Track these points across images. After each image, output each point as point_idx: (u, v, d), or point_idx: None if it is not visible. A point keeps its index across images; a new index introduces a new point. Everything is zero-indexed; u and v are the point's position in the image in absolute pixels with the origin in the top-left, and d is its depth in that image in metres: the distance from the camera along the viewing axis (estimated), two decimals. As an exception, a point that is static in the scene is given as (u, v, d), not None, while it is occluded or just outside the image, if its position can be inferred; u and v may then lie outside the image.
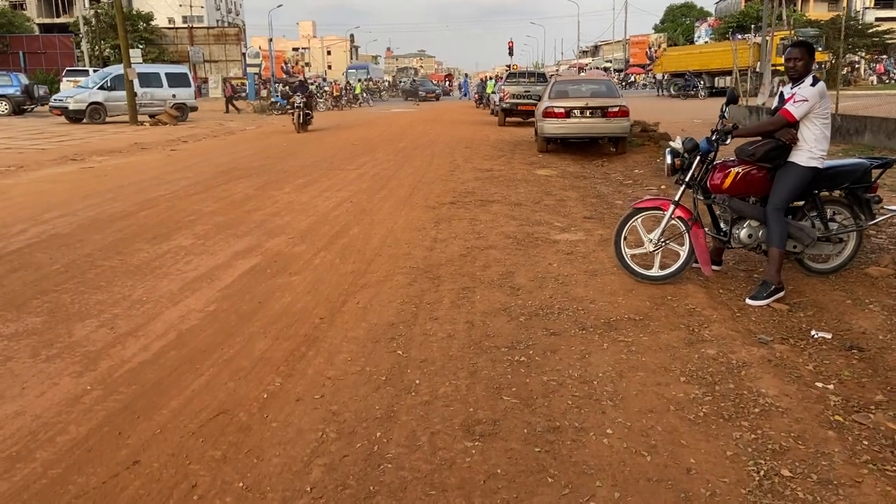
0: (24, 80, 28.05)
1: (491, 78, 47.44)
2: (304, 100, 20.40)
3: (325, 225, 7.00)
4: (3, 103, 26.74)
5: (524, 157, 13.17)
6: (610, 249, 5.82)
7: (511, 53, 51.32)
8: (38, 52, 44.78)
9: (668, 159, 5.03)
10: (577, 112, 12.54)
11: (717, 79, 37.39)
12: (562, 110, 12.57)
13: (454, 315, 4.33)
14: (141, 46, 46.72)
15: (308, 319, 4.21)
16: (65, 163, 12.94)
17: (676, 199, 4.97)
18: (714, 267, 5.15)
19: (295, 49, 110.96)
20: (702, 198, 5.01)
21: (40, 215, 7.44)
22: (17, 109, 27.02)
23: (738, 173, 4.77)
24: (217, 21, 79.60)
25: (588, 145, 13.87)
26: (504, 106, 21.96)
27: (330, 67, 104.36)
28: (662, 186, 9.23)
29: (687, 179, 4.95)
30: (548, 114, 12.71)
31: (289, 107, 35.83)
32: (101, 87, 23.34)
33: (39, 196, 8.86)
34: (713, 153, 4.91)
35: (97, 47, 43.98)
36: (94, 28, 44.70)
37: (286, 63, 75.77)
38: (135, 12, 47.07)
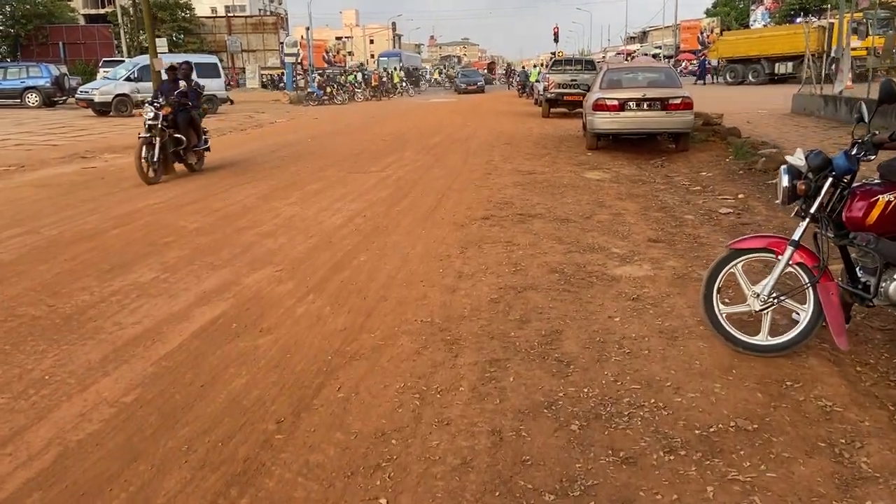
0: (56, 71, 27.45)
1: (535, 66, 45.58)
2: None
3: (325, 251, 5.68)
4: (34, 95, 26.20)
5: (571, 155, 11.65)
6: (690, 294, 4.37)
7: (556, 40, 49.24)
8: (78, 43, 44.58)
9: (785, 181, 3.53)
10: (632, 104, 10.96)
11: (777, 64, 34.92)
12: (615, 102, 11.00)
13: (474, 416, 2.95)
14: (180, 36, 46.29)
15: (259, 425, 2.87)
16: (71, 161, 11.94)
17: (796, 237, 3.48)
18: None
19: (338, 38, 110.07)
20: (833, 236, 3.51)
21: (-2, 233, 6.31)
22: (48, 101, 26.46)
23: (889, 202, 3.27)
24: (259, 10, 79.01)
25: (644, 141, 12.28)
26: (548, 96, 20.36)
27: (372, 56, 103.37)
28: (741, 195, 7.65)
29: (813, 210, 3.46)
30: (599, 106, 11.15)
31: (325, 97, 35.08)
32: (128, 79, 22.51)
33: (13, 205, 7.75)
34: (852, 174, 3.42)
35: (135, 38, 43.57)
36: (133, 18, 44.28)
37: (327, 52, 74.81)
38: (173, 1, 46.55)
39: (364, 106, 31.31)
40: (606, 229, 6.35)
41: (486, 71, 66.53)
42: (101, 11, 59.91)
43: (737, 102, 20.31)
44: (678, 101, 10.88)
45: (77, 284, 4.73)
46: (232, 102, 25.01)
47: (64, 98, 27.24)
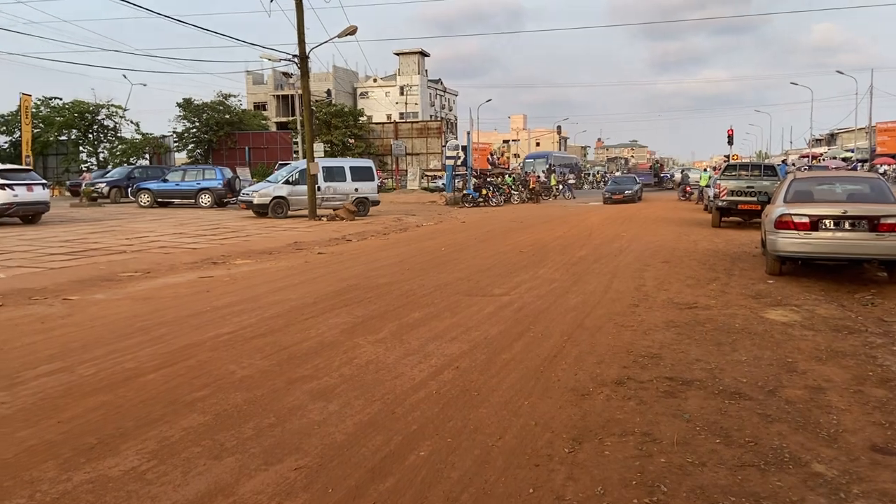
0: (228, 173, 29.25)
1: (705, 169, 42.63)
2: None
3: (380, 431, 4.10)
4: (207, 195, 27.88)
5: (746, 281, 9.39)
6: None
7: (730, 142, 46.18)
8: (262, 148, 48.46)
9: None
10: (828, 223, 8.64)
11: None
12: (805, 219, 8.74)
13: None
14: (350, 140, 48.91)
15: None
16: (200, 268, 11.55)
17: None
18: None
19: (505, 141, 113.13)
20: None
21: (32, 367, 5.40)
22: (219, 202, 28.03)
23: None
24: (431, 117, 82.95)
25: (842, 266, 9.74)
26: (720, 204, 17.97)
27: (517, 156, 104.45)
28: None
29: None
30: (784, 224, 8.92)
31: (481, 199, 34.65)
32: (287, 182, 23.13)
33: (87, 327, 7.01)
34: None
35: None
36: (312, 125, 47.49)
37: (492, 154, 76.32)
38: (347, 110, 49.58)
39: (517, 209, 30.28)
40: (801, 419, 4.24)
41: (651, 172, 63.28)
42: (290, 119, 65.61)
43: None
44: (893, 220, 8.39)
45: (29, 474, 3.48)
46: (378, 203, 24.94)
47: (234, 199, 28.81)
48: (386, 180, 47.61)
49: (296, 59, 22.58)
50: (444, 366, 5.46)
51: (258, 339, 6.33)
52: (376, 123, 55.85)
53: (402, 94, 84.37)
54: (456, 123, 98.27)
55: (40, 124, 43.14)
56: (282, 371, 5.32)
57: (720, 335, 6.41)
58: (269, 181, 24.60)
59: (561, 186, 42.55)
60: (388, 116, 71.98)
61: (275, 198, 22.77)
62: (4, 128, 44.91)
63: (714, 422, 4.24)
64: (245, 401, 4.63)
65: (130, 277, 10.44)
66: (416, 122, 57.40)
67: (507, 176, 42.25)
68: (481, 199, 33.49)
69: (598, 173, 72.25)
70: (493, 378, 5.16)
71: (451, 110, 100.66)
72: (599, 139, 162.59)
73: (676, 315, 7.29)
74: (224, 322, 7.06)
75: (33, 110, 42.48)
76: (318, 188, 22.59)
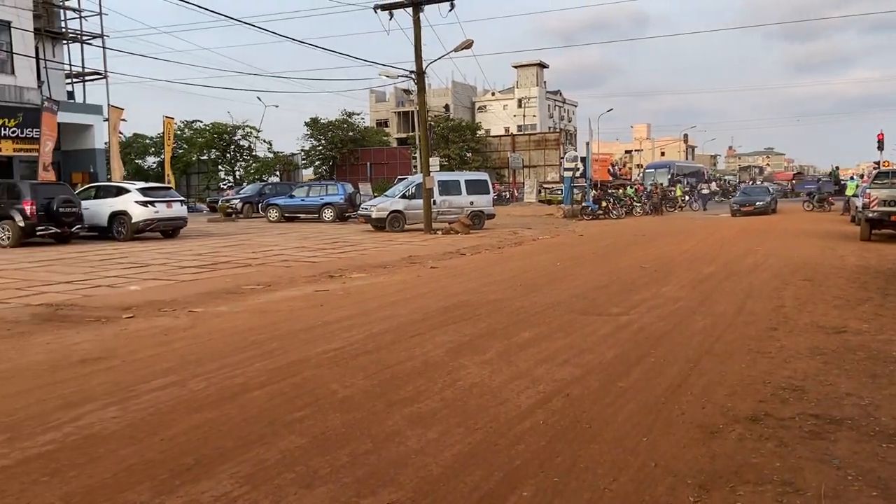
0: (350, 188, 30.11)
1: (852, 177, 39.31)
2: None
3: (480, 465, 3.78)
4: (329, 210, 28.81)
5: (904, 303, 8.30)
6: None
7: (881, 147, 42.25)
8: (382, 163, 49.74)
9: None
10: None
11: None
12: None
13: None
14: (467, 154, 49.20)
15: None
16: (317, 281, 11.77)
17: None
18: None
19: (627, 151, 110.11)
20: None
21: (148, 380, 5.53)
22: (341, 216, 28.88)
23: None
24: (549, 128, 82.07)
25: None
26: (870, 215, 16.29)
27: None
28: None
29: None
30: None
31: (600, 211, 33.62)
32: (404, 196, 23.43)
33: (206, 340, 7.19)
34: None
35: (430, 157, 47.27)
36: (430, 140, 48.27)
37: (613, 165, 74.34)
38: (465, 124, 49.98)
39: (639, 222, 29.10)
40: None
41: (791, 183, 58.63)
42: (410, 134, 67.10)
43: None
44: None
45: (124, 496, 3.45)
46: (493, 216, 24.74)
47: (355, 213, 29.59)
48: (503, 193, 47.46)
49: (413, 75, 22.89)
50: (553, 392, 5.08)
51: (363, 356, 6.21)
52: (493, 137, 55.94)
53: (519, 106, 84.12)
54: (575, 134, 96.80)
55: (184, 145, 46.51)
56: (383, 392, 5.14)
57: (875, 365, 5.60)
58: (386, 195, 25.05)
59: (687, 198, 40.58)
60: (506, 129, 71.90)
61: (392, 212, 23.11)
62: (153, 149, 48.79)
63: (869, 469, 3.61)
64: (343, 423, 4.46)
65: (252, 290, 10.77)
66: (534, 134, 56.95)
67: (628, 187, 40.84)
68: (601, 212, 32.52)
69: (728, 183, 68.42)
70: (607, 409, 4.72)
71: (569, 121, 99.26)
72: (730, 147, 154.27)
73: (822, 341, 6.49)
74: (333, 337, 7.02)
75: (178, 132, 45.90)
76: (434, 202, 22.70)
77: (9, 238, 17.06)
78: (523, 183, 48.29)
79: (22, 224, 17.02)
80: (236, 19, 21.89)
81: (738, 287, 9.94)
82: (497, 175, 50.79)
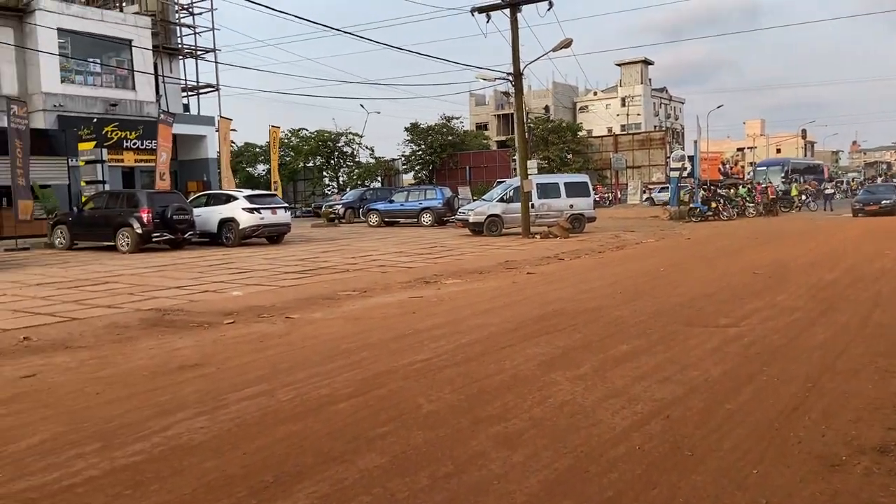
0: (448, 193, 30.20)
1: None
2: None
3: (567, 497, 3.49)
4: (428, 215, 29.01)
5: None
6: None
7: None
8: (482, 166, 49.69)
9: None
10: None
11: None
12: None
13: None
14: (567, 156, 48.33)
15: None
16: (412, 287, 11.76)
17: None
18: None
19: (739, 149, 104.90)
20: None
21: (239, 389, 5.59)
22: (440, 220, 29.00)
23: None
24: (654, 127, 79.43)
25: None
26: None
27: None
28: None
29: None
30: None
31: (710, 212, 32.02)
32: (501, 199, 23.20)
33: (298, 347, 7.26)
34: None
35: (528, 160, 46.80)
36: (529, 142, 47.77)
37: (724, 164, 71.01)
38: (565, 125, 49.11)
39: (752, 223, 27.51)
40: None
41: None
42: (506, 137, 66.84)
43: None
44: None
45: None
46: (594, 219, 24.06)
47: (453, 218, 29.65)
48: (605, 195, 46.28)
49: (510, 77, 22.63)
50: (651, 413, 4.69)
51: (451, 368, 6.03)
52: (595, 137, 54.70)
53: (623, 105, 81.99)
54: (682, 133, 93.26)
55: (290, 153, 48.31)
56: (469, 408, 4.93)
57: None
58: (484, 199, 24.92)
59: (804, 197, 38.04)
60: (609, 129, 70.19)
61: (489, 216, 22.93)
62: (263, 157, 51.00)
63: None
64: (426, 441, 4.29)
65: (348, 296, 10.86)
66: (638, 133, 55.27)
67: (740, 186, 38.76)
68: (710, 213, 31.01)
69: (853, 180, 63.73)
70: (712, 434, 4.30)
71: (676, 119, 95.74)
72: (854, 142, 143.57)
73: (966, 360, 5.72)
74: (422, 347, 6.89)
75: (285, 140, 47.77)
76: (532, 205, 22.33)
77: (128, 244, 18.18)
78: (626, 184, 46.89)
79: (140, 231, 18.09)
80: (337, 29, 22.49)
81: (864, 295, 9.05)
82: (599, 177, 49.60)
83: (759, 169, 46.41)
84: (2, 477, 3.81)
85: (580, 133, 52.87)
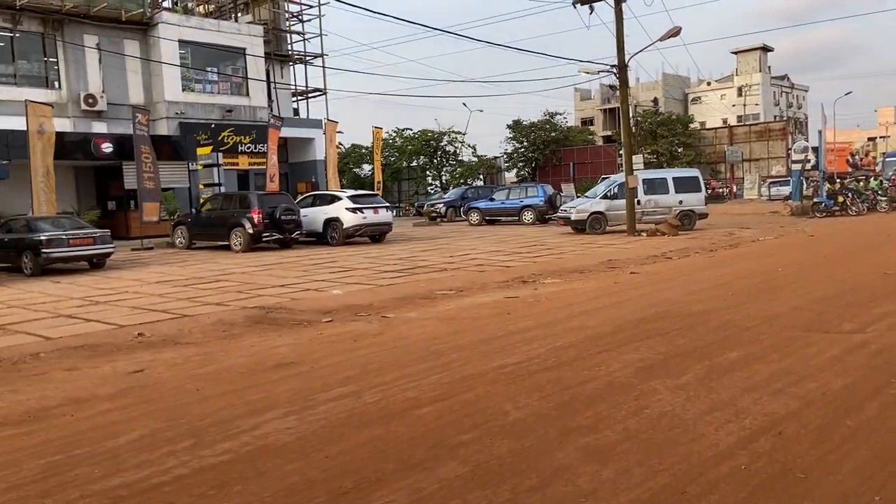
0: (550, 190, 29.68)
1: None
2: None
3: (659, 518, 3.21)
4: (529, 212, 28.63)
5: None
6: None
7: None
8: (586, 163, 48.64)
9: None
10: None
11: None
12: None
13: None
14: (678, 149, 46.40)
15: None
16: (509, 286, 11.57)
17: None
18: None
19: (870, 139, 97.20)
20: None
21: (328, 389, 5.61)
22: (541, 218, 28.56)
23: None
24: (774, 117, 74.96)
25: None
26: None
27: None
28: None
29: None
30: None
31: (836, 207, 29.71)
32: (605, 196, 22.51)
33: (389, 348, 7.24)
34: None
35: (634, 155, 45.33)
36: (636, 136, 46.23)
37: (853, 155, 65.95)
38: (674, 117, 47.15)
39: (886, 219, 25.27)
40: None
41: None
42: (612, 132, 65.07)
43: None
44: None
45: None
46: (705, 216, 22.89)
47: (555, 215, 29.11)
48: (719, 190, 44.10)
49: (614, 70, 21.90)
50: (760, 429, 4.28)
51: (542, 373, 5.79)
52: (708, 129, 52.20)
53: (739, 95, 77.90)
54: (805, 122, 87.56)
55: (395, 153, 49.17)
56: (558, 416, 4.69)
57: None
58: (587, 196, 24.28)
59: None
60: (724, 121, 66.87)
61: (592, 213, 22.31)
62: (368, 157, 52.25)
63: None
64: (510, 451, 4.10)
65: (444, 295, 10.81)
66: (755, 124, 52.29)
67: (871, 179, 35.79)
68: (836, 208, 28.78)
69: None
70: (829, 454, 3.86)
71: (799, 108, 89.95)
72: None
73: None
74: (513, 350, 6.69)
75: (390, 140, 48.68)
76: (638, 202, 21.51)
77: (240, 244, 19.04)
78: (742, 178, 44.45)
79: (251, 231, 18.90)
80: (440, 29, 22.63)
81: None
82: (712, 171, 47.31)
83: (888, 160, 42.47)
84: (98, 473, 3.96)
85: (692, 125, 50.59)
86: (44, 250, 14.83)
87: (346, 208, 20.46)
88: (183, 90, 26.97)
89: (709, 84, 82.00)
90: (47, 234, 15.04)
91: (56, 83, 24.95)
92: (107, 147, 23.21)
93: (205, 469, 3.99)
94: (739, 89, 78.56)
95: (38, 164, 18.66)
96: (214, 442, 4.43)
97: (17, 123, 19.72)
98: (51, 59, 24.94)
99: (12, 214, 18.66)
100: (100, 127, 24.78)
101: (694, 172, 24.16)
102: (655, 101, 63.36)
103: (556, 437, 4.31)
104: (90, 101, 24.71)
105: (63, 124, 23.19)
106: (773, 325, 7.29)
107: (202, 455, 4.20)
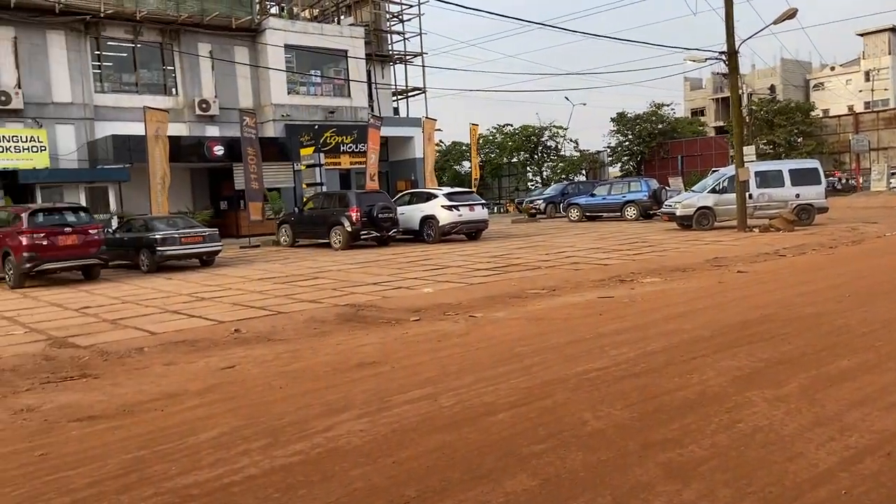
0: (654, 185, 28.58)
1: None
2: None
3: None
4: (632, 208, 27.70)
5: None
6: None
7: None
8: (695, 155, 46.53)
9: None
10: None
11: None
12: None
13: None
14: (797, 139, 43.58)
15: None
16: (605, 286, 11.18)
17: None
18: None
19: None
20: None
21: (405, 391, 5.54)
22: (645, 214, 27.56)
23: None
24: (911, 101, 68.85)
25: None
26: None
27: None
28: None
29: None
30: None
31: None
32: (713, 190, 21.38)
33: (476, 348, 7.11)
34: None
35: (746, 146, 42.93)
36: (750, 126, 43.76)
37: None
38: (793, 105, 44.23)
39: None
40: None
41: None
42: (725, 123, 61.93)
43: None
44: None
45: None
46: (825, 210, 21.28)
47: (659, 211, 28.02)
48: (844, 181, 41.03)
49: (723, 57, 20.75)
50: (867, 449, 3.83)
51: (627, 380, 5.48)
52: (831, 117, 48.64)
53: (867, 80, 72.12)
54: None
55: (496, 149, 48.98)
56: (641, 428, 4.39)
57: None
58: (693, 191, 23.18)
59: None
60: (850, 108, 62.09)
61: (699, 208, 21.25)
62: (468, 154, 52.33)
63: None
64: (584, 465, 3.87)
65: (535, 295, 10.57)
66: (885, 110, 48.18)
67: None
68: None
69: None
70: (953, 485, 3.38)
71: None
72: None
73: None
74: (600, 354, 6.39)
75: (490, 137, 48.53)
76: (750, 195, 20.29)
77: (339, 241, 19.52)
78: (869, 169, 41.15)
79: (349, 229, 19.33)
80: (540, 23, 22.26)
81: None
82: (835, 161, 44.09)
83: None
84: (175, 470, 4.07)
85: (813, 113, 47.33)
86: (158, 248, 15.77)
87: (442, 206, 20.53)
88: (288, 93, 27.99)
89: (832, 69, 76.41)
90: (162, 233, 15.98)
91: (173, 90, 26.55)
92: (218, 149, 24.41)
93: (275, 470, 4.01)
94: (867, 73, 72.60)
95: (155, 166, 19.90)
96: (289, 442, 4.46)
97: (138, 129, 21.11)
98: (168, 67, 26.56)
99: (133, 214, 19.99)
100: (212, 130, 26.17)
101: (813, 164, 22.51)
102: (772, 88, 59.82)
103: (635, 451, 4.03)
104: (204, 106, 26.12)
105: (179, 129, 24.68)
106: (892, 331, 6.59)
107: (274, 455, 4.23)
